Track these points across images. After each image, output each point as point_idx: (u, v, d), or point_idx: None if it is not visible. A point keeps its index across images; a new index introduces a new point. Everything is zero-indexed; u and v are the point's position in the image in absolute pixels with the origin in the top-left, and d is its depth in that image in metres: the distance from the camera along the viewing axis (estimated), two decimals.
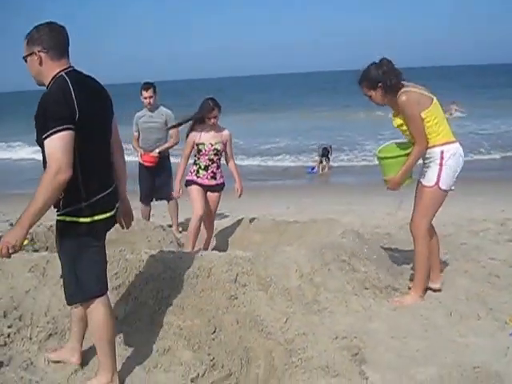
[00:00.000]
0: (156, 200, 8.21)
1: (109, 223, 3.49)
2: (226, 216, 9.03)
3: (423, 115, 4.41)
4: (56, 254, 4.68)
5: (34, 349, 3.89)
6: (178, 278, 4.49)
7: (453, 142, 4.54)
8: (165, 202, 8.21)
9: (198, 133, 6.19)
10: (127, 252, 4.82)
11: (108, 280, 4.34)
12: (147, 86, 7.77)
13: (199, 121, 6.16)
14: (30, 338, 3.96)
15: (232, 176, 6.48)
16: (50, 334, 3.99)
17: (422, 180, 4.64)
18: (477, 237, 7.04)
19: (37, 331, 4.00)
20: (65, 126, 2.97)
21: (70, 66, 3.25)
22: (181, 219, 8.40)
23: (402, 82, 4.52)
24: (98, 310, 3.42)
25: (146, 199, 8.13)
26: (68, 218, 3.25)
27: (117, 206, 3.52)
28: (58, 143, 2.95)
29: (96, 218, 3.28)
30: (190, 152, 6.33)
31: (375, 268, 5.17)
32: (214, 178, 6.28)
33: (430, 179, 4.56)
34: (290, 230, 6.84)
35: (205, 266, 4.57)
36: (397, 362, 3.74)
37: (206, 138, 6.17)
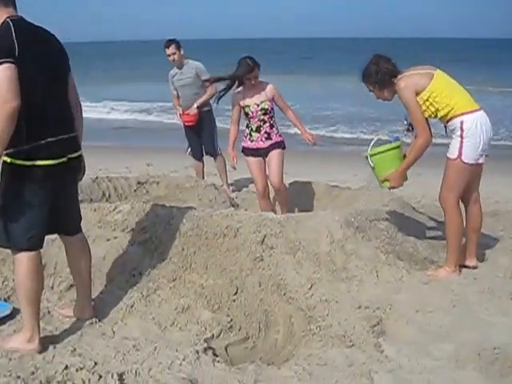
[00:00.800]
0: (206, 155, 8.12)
1: (55, 172, 3.32)
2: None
3: (425, 95, 4.22)
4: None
5: (54, 298, 3.94)
6: (204, 236, 4.44)
7: (472, 111, 4.22)
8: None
9: (241, 94, 5.95)
10: (158, 207, 4.79)
11: (136, 233, 4.42)
12: (168, 43, 7.55)
13: (239, 81, 5.90)
14: (52, 288, 4.01)
15: (296, 127, 6.20)
16: (71, 285, 4.01)
17: (447, 152, 4.36)
18: None
19: (59, 281, 4.05)
20: (5, 60, 3.01)
21: (18, 15, 3.29)
22: (236, 177, 8.39)
23: (400, 70, 4.40)
24: (21, 265, 3.29)
25: (196, 155, 8.04)
26: (8, 159, 3.20)
27: (71, 156, 3.41)
28: (1, 74, 3.00)
29: (38, 163, 3.22)
30: (239, 116, 6.06)
31: (414, 239, 4.97)
32: (268, 138, 5.97)
33: (452, 152, 4.27)
34: (341, 196, 6.70)
35: (233, 225, 4.49)
36: (416, 337, 3.56)
37: (250, 99, 5.91)
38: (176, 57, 7.53)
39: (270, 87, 5.94)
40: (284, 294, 4.04)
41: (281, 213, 5.77)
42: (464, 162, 4.22)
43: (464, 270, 4.61)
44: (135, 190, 6.74)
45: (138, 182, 6.81)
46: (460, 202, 4.45)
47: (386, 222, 5.00)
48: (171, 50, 7.52)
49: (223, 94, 6.00)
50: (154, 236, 4.49)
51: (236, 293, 4.07)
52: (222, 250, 4.35)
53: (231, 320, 3.87)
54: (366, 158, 4.57)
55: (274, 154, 5.94)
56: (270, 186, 6.10)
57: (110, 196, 6.55)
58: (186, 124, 7.80)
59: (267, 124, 5.94)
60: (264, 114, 5.90)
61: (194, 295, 4.06)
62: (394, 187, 4.55)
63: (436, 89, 4.21)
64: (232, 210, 4.79)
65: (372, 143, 4.63)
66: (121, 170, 9.36)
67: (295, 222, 4.60)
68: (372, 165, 4.58)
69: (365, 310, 3.85)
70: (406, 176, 4.54)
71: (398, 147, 4.54)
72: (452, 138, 4.30)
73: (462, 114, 4.20)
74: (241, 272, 4.20)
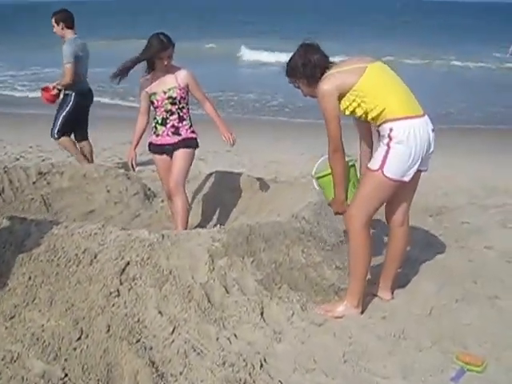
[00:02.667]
0: None
1: None
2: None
3: (352, 95, 3.46)
4: None
5: None
6: (56, 261, 3.65)
7: (407, 118, 3.42)
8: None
9: (149, 81, 5.01)
10: (15, 220, 3.99)
11: None
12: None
13: (150, 64, 4.93)
14: None
15: (214, 121, 5.16)
16: None
17: (369, 162, 3.63)
18: (485, 214, 5.89)
19: None
20: None
21: None
22: None
23: (331, 62, 3.63)
24: None
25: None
26: None
27: None
28: None
29: None
30: (147, 106, 5.12)
31: (323, 260, 4.18)
32: (176, 133, 4.99)
33: (374, 161, 3.51)
34: (263, 190, 5.90)
35: (92, 249, 3.70)
36: None
37: (158, 86, 4.96)
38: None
39: (184, 73, 4.98)
40: (137, 342, 3.25)
41: (178, 226, 4.92)
42: (385, 176, 3.43)
43: (374, 301, 3.84)
44: (34, 183, 5.94)
45: (39, 173, 6.00)
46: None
47: (291, 236, 4.19)
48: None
49: (121, 75, 4.90)
50: (2, 260, 3.69)
51: (79, 338, 3.28)
52: (72, 281, 3.55)
53: (65, 376, 3.08)
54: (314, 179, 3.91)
55: (178, 154, 5.00)
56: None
57: (3, 190, 5.74)
58: (44, 102, 7.16)
59: (175, 116, 4.99)
60: (172, 104, 4.95)
61: (29, 340, 3.25)
62: (338, 213, 3.78)
63: (364, 87, 3.44)
64: (100, 227, 3.93)
65: (319, 161, 3.88)
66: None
67: (170, 243, 3.79)
68: (318, 188, 3.93)
69: (229, 367, 3.08)
70: (347, 196, 3.76)
71: (352, 166, 3.78)
72: (379, 145, 3.54)
73: (394, 119, 3.42)
74: (90, 311, 3.40)
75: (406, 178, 3.45)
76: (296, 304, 3.65)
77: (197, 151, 5.20)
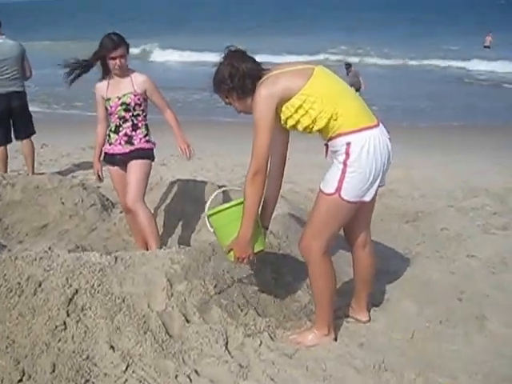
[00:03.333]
0: None
1: None
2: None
3: (299, 99, 2.94)
4: None
5: None
6: None
7: (365, 129, 2.97)
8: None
9: (105, 85, 4.59)
10: None
11: None
12: None
13: (104, 66, 4.50)
14: None
15: (173, 130, 4.74)
16: None
17: (321, 183, 3.12)
18: (465, 218, 5.60)
19: None
20: None
21: None
22: None
23: (265, 69, 3.11)
24: None
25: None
26: None
27: None
28: None
29: None
30: (104, 112, 4.67)
31: (293, 279, 3.85)
32: (129, 142, 4.56)
33: (328, 183, 3.04)
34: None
35: (36, 276, 3.30)
36: None
37: (112, 91, 4.55)
38: None
39: (141, 78, 4.56)
40: (85, 383, 2.88)
41: (152, 245, 4.50)
42: (343, 199, 3.01)
43: (350, 325, 3.51)
44: None
45: None
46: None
47: (261, 255, 3.83)
48: None
49: (73, 77, 4.52)
50: None
51: (20, 380, 2.90)
52: (13, 314, 3.15)
53: None
54: (207, 217, 3.30)
55: (132, 167, 4.55)
56: None
57: None
58: None
59: (128, 123, 4.56)
60: (125, 111, 4.53)
61: None
62: (239, 260, 3.17)
63: (315, 91, 2.93)
64: (46, 250, 3.54)
65: (212, 197, 3.37)
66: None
67: (124, 267, 3.41)
68: (211, 229, 3.29)
69: None
70: (262, 242, 3.27)
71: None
72: (332, 162, 3.09)
73: (350, 131, 2.95)
74: (33, 348, 3.02)
75: (368, 198, 3.06)
76: (264, 332, 3.30)
77: (159, 155, 4.82)
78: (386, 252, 4.61)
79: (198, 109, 14.75)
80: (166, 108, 4.70)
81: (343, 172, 2.96)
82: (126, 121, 4.56)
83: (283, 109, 2.97)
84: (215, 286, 3.45)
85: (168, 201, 5.57)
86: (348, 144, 2.94)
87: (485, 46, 31.24)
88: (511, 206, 5.97)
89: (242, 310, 3.40)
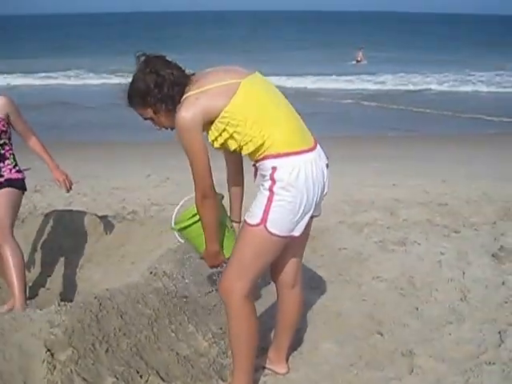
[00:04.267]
0: None
1: None
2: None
3: (221, 123, 2.51)
4: None
5: None
6: None
7: (294, 153, 2.53)
8: None
9: None
10: None
11: None
12: None
13: None
14: None
15: (43, 160, 4.09)
16: None
17: (246, 213, 2.69)
18: (360, 235, 5.34)
19: None
20: None
21: None
22: None
23: (189, 75, 2.66)
24: None
25: None
26: None
27: None
28: None
29: None
30: None
31: (195, 328, 3.32)
32: None
33: (253, 213, 2.59)
34: (110, 231, 4.91)
35: None
36: None
37: None
38: None
39: (2, 101, 3.86)
40: None
41: (14, 287, 3.77)
42: (269, 232, 2.54)
43: (268, 379, 3.06)
44: None
45: None
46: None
47: (153, 302, 3.29)
48: None
49: None
50: None
51: None
52: None
53: None
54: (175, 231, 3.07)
55: (2, 195, 3.84)
56: None
57: None
58: None
59: None
60: None
61: None
62: (213, 267, 2.96)
63: (237, 113, 2.48)
64: None
65: (178, 207, 3.04)
66: None
67: None
68: (182, 241, 3.13)
69: None
70: (230, 249, 2.83)
71: (221, 199, 2.95)
72: (260, 188, 2.62)
73: (276, 155, 2.51)
74: None
75: (297, 233, 2.60)
76: None
77: (31, 182, 4.12)
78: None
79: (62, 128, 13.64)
80: (30, 134, 4.04)
81: (269, 200, 2.52)
82: None
83: (209, 130, 2.58)
84: (107, 351, 2.85)
85: (44, 235, 4.84)
86: (274, 169, 2.50)
87: (357, 61, 32.50)
88: (402, 218, 5.80)
89: (141, 377, 2.81)
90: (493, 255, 4.73)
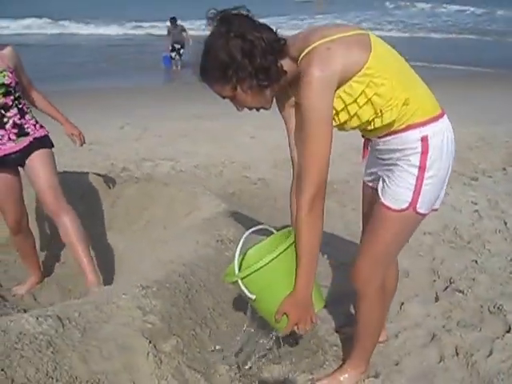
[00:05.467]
0: None
1: None
2: None
3: (361, 82, 1.97)
4: None
5: None
6: None
7: (440, 117, 2.12)
8: None
9: None
10: None
11: None
12: None
13: None
14: None
15: (51, 116, 3.61)
16: None
17: (382, 195, 2.19)
18: None
19: None
20: None
21: None
22: None
23: (286, 39, 2.04)
24: None
25: None
26: None
27: None
28: None
29: None
30: None
31: None
32: (22, 133, 3.33)
33: (397, 196, 2.14)
34: (125, 194, 4.46)
35: None
36: None
37: None
38: None
39: (9, 50, 3.35)
40: None
41: (79, 258, 3.36)
42: (418, 213, 2.16)
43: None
44: None
45: None
46: None
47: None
48: None
49: None
50: None
51: None
52: None
53: None
54: (232, 282, 2.17)
55: (38, 158, 3.35)
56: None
57: None
58: None
59: (14, 111, 3.31)
60: (5, 95, 3.25)
61: None
62: (299, 328, 2.14)
63: (381, 68, 1.98)
64: None
65: (240, 245, 2.17)
66: None
67: (80, 332, 2.34)
68: (251, 295, 2.11)
69: None
70: (320, 297, 2.26)
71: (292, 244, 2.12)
72: (391, 164, 2.17)
73: (425, 121, 2.07)
74: None
75: (438, 205, 2.26)
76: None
77: None
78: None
79: None
80: (34, 89, 3.56)
81: (420, 178, 2.09)
82: (8, 108, 3.30)
83: (336, 97, 1.99)
84: (209, 335, 2.54)
85: None
86: (424, 138, 2.06)
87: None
88: None
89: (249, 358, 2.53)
90: None
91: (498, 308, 3.12)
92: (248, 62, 1.95)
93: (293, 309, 2.08)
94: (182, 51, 15.11)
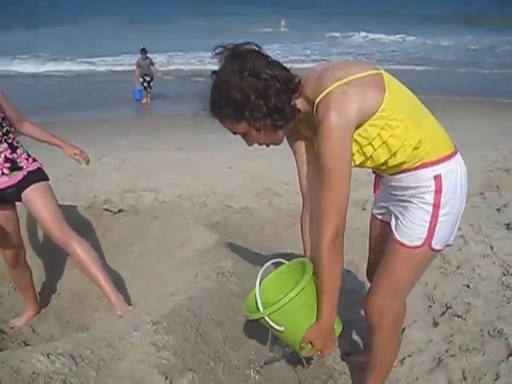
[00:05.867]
0: None
1: None
2: None
3: (374, 127, 1.98)
4: None
5: None
6: None
7: (454, 155, 2.16)
8: None
9: None
10: None
11: None
12: None
13: None
14: None
15: (49, 143, 3.61)
16: None
17: (396, 232, 2.22)
18: (365, 212, 5.21)
19: None
20: None
21: None
22: None
23: (298, 76, 2.04)
24: None
25: None
26: None
27: None
28: None
29: None
30: None
31: None
32: (15, 167, 3.32)
33: (411, 233, 2.16)
34: (114, 226, 4.42)
35: None
36: None
37: None
38: None
39: None
40: None
41: (97, 281, 3.32)
42: (434, 250, 2.19)
43: None
44: None
45: None
46: None
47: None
48: None
49: None
50: None
51: None
52: None
53: None
54: (259, 320, 2.16)
55: (35, 192, 3.34)
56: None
57: None
58: None
59: (4, 145, 3.30)
60: None
61: None
62: (322, 354, 2.22)
63: (396, 110, 1.99)
64: None
65: (259, 277, 2.19)
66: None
67: (95, 370, 2.31)
68: (279, 328, 2.12)
69: None
70: (339, 321, 2.26)
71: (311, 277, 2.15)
72: (404, 201, 2.20)
73: (438, 160, 2.10)
74: None
75: (451, 240, 2.29)
76: None
77: None
78: None
79: None
80: (23, 119, 3.55)
81: (434, 216, 2.12)
82: None
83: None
84: (223, 370, 2.52)
85: (39, 234, 4.28)
86: (437, 177, 2.09)
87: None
88: None
89: None
90: (507, 228, 4.74)
91: (499, 332, 3.16)
92: (263, 103, 1.93)
93: (318, 336, 2.13)
94: (151, 83, 15.20)
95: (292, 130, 2.18)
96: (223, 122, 2.04)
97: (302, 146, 2.27)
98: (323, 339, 2.14)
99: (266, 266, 2.27)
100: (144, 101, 15.06)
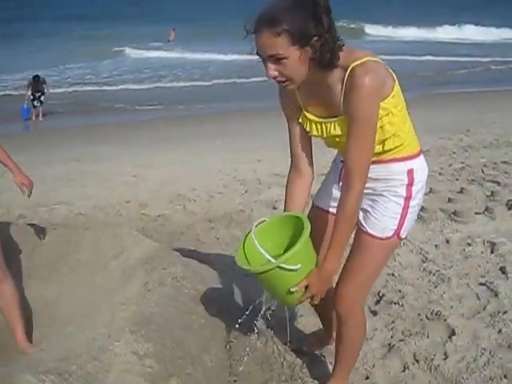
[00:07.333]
0: None
1: None
2: None
3: (385, 108, 2.12)
4: None
5: None
6: None
7: (420, 153, 2.37)
8: None
9: None
10: None
11: None
12: None
13: None
14: None
15: (2, 163, 3.47)
16: None
17: (366, 225, 2.36)
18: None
19: None
20: None
21: None
22: None
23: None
24: None
25: None
26: None
27: None
28: None
29: None
30: None
31: None
32: None
33: (382, 224, 2.32)
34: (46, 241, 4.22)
35: None
36: None
37: None
38: None
39: None
40: None
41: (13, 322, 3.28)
42: (400, 238, 2.38)
43: None
44: None
45: None
46: None
47: (198, 310, 3.00)
48: None
49: None
50: None
51: None
52: None
53: None
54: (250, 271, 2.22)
55: None
56: None
57: None
58: None
59: None
60: None
61: None
62: (313, 299, 2.27)
63: (399, 100, 2.17)
64: None
65: (257, 244, 2.26)
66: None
67: None
68: (297, 267, 2.12)
69: None
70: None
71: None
72: (373, 194, 2.34)
73: (413, 155, 2.31)
74: None
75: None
76: None
77: None
78: None
79: None
80: None
81: (405, 208, 2.30)
82: None
83: None
84: (203, 373, 2.56)
85: None
86: (410, 171, 2.29)
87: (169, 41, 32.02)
88: None
89: None
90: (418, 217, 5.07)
91: (437, 314, 3.41)
92: (324, 37, 1.98)
93: (316, 280, 2.19)
94: (42, 98, 15.17)
95: (292, 98, 2.28)
96: (270, 36, 1.96)
97: (293, 113, 2.34)
98: (320, 284, 2.21)
99: (256, 223, 2.34)
100: (34, 118, 14.99)
